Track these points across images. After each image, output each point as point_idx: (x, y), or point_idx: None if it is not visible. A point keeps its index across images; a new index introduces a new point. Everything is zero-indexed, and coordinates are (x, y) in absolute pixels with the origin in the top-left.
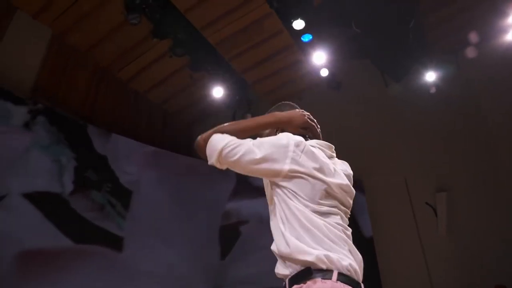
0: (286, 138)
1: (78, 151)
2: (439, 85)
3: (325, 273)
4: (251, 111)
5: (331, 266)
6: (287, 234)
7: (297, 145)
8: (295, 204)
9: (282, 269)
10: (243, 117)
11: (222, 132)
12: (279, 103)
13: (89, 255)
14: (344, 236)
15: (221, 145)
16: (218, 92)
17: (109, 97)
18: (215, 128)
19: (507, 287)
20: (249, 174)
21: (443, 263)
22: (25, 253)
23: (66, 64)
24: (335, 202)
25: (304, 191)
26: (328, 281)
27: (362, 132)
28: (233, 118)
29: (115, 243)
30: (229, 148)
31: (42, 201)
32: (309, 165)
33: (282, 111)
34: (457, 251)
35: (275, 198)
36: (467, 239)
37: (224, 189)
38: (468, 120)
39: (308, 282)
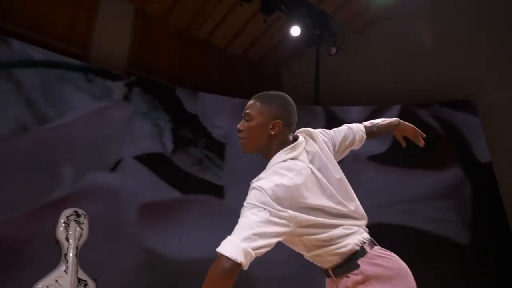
0: None
1: (172, 113)
2: None
3: None
4: (337, 44)
5: None
6: None
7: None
8: None
9: None
10: (327, 51)
11: None
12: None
13: (196, 203)
14: None
15: None
16: (295, 31)
17: (194, 57)
18: None
19: None
20: None
21: None
22: (143, 206)
23: (151, 34)
24: None
25: None
26: None
27: (470, 40)
28: (317, 55)
29: (217, 191)
30: None
31: (149, 161)
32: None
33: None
34: None
35: None
36: None
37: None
38: None
39: None
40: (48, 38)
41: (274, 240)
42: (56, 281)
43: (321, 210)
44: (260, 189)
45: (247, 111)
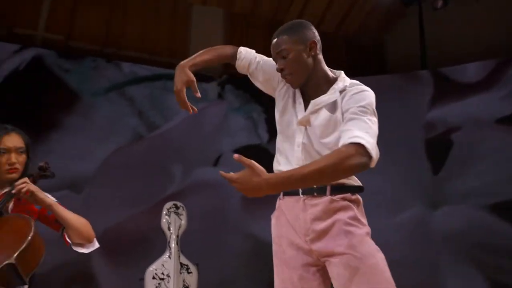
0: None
1: (265, 104)
2: None
3: None
4: None
5: None
6: None
7: None
8: None
9: None
10: (432, 6)
11: None
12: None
13: None
14: None
15: None
16: None
17: None
18: None
19: None
20: None
21: None
22: (244, 195)
23: (242, 32)
24: None
25: None
26: None
27: None
28: (420, 12)
29: None
30: None
31: (247, 152)
32: None
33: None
34: None
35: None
36: None
37: (420, 99)
38: None
39: None
40: (153, 56)
41: None
42: (163, 265)
43: None
44: (371, 92)
45: (281, 48)
